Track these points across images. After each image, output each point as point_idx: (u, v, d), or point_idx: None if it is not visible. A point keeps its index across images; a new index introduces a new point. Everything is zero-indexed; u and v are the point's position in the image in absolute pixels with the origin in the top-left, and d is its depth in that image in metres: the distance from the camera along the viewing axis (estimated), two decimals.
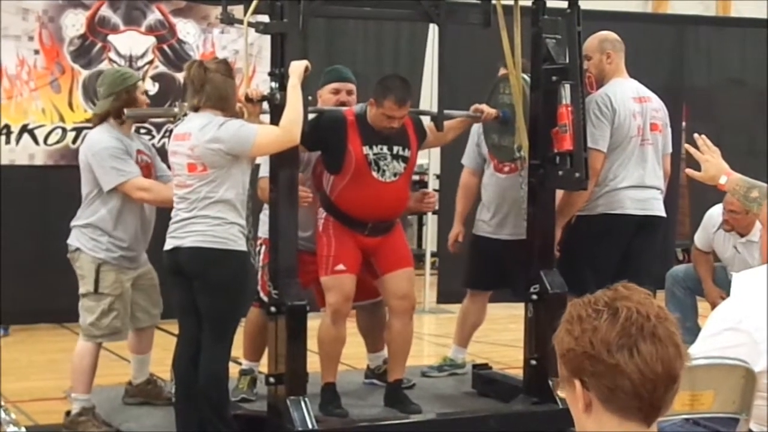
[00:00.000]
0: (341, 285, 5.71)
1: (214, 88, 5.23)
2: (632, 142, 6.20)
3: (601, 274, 5.73)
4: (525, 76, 5.94)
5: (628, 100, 6.21)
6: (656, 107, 6.36)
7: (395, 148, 5.75)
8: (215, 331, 5.28)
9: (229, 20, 5.70)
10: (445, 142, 6.54)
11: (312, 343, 5.60)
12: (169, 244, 5.31)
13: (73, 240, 5.74)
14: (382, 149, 5.72)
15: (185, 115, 5.39)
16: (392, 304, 5.90)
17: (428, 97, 8.78)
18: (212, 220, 5.20)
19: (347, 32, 9.11)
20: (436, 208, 10.29)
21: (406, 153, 5.79)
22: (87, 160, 5.68)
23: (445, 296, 9.03)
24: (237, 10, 5.70)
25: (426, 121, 6.12)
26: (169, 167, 5.54)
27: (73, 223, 5.76)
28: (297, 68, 5.24)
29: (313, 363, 5.67)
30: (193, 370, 5.30)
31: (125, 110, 5.67)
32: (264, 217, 5.88)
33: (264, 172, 5.75)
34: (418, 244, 11.55)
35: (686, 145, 4.40)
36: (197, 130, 5.17)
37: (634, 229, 6.24)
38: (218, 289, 5.22)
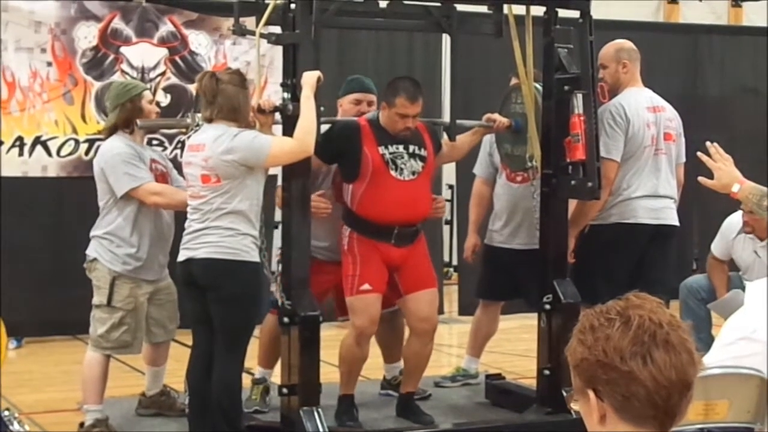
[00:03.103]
0: (367, 306, 5.68)
1: (226, 99, 5.23)
2: (646, 151, 6.19)
3: (614, 283, 5.72)
4: (537, 86, 5.94)
5: (642, 109, 6.21)
6: (670, 117, 6.35)
7: (411, 147, 5.72)
8: (228, 342, 5.27)
9: (241, 32, 5.70)
10: (460, 156, 6.49)
11: (325, 354, 5.59)
12: (182, 256, 5.31)
13: (91, 250, 5.75)
14: (398, 148, 5.70)
15: (198, 125, 5.40)
16: (413, 326, 5.89)
17: (446, 107, 8.78)
18: (225, 231, 5.19)
19: (359, 43, 9.12)
20: (449, 218, 10.42)
21: (423, 152, 5.76)
22: (101, 168, 5.70)
23: (467, 308, 8.96)
24: (249, 22, 5.70)
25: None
26: (184, 178, 5.54)
27: (92, 233, 5.77)
28: (309, 79, 5.24)
29: (326, 373, 5.66)
30: (207, 382, 5.30)
31: (137, 121, 5.69)
32: None
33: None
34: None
35: (699, 154, 4.39)
36: (211, 141, 5.17)
37: (647, 239, 6.23)
38: (231, 301, 5.22)
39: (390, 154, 5.68)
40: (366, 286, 5.67)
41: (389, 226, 5.71)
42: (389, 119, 5.65)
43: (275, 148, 5.19)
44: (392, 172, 5.67)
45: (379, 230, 5.71)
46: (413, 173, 5.72)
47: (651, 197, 6.22)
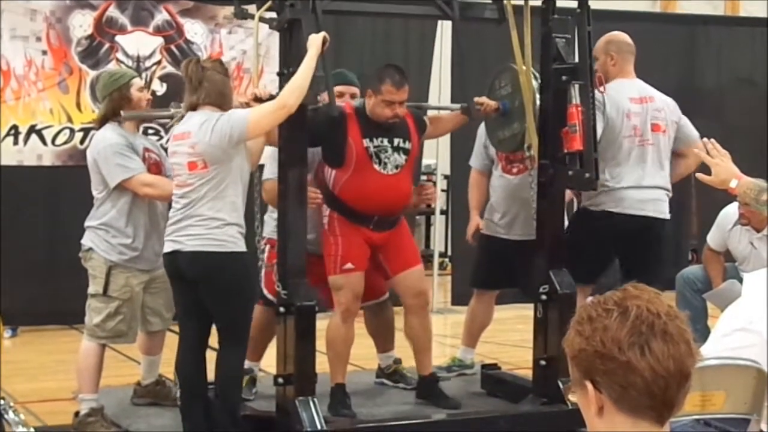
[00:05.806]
0: (350, 283, 5.72)
1: (212, 84, 5.21)
2: (626, 141, 6.19)
3: (598, 270, 5.77)
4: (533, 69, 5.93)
5: (623, 100, 6.20)
6: (659, 107, 6.32)
7: (396, 140, 5.75)
8: (231, 334, 5.27)
9: (242, 15, 5.69)
10: (443, 134, 6.58)
11: (321, 344, 5.59)
12: (168, 247, 5.27)
13: (87, 240, 5.73)
14: (382, 141, 5.71)
15: (182, 117, 5.37)
16: (408, 303, 5.94)
17: (436, 95, 8.76)
18: (210, 221, 5.15)
19: (355, 32, 9.09)
20: (444, 208, 10.42)
21: (407, 145, 5.79)
22: (93, 159, 5.68)
23: (460, 298, 8.97)
24: (249, 10, 5.68)
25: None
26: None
27: (86, 223, 5.76)
28: (315, 40, 5.19)
29: (322, 363, 5.66)
30: (198, 374, 5.31)
31: (122, 112, 5.66)
32: (268, 218, 5.89)
33: (268, 173, 5.74)
34: (426, 245, 11.55)
35: (695, 150, 4.38)
36: (197, 127, 5.15)
37: (634, 230, 6.22)
38: (226, 294, 5.20)
39: (374, 147, 5.69)
40: (349, 265, 5.72)
41: (370, 214, 5.74)
42: (376, 107, 5.65)
43: (254, 113, 5.14)
44: (375, 166, 5.70)
45: (358, 216, 5.74)
46: (397, 167, 5.74)
47: (636, 188, 6.22)
